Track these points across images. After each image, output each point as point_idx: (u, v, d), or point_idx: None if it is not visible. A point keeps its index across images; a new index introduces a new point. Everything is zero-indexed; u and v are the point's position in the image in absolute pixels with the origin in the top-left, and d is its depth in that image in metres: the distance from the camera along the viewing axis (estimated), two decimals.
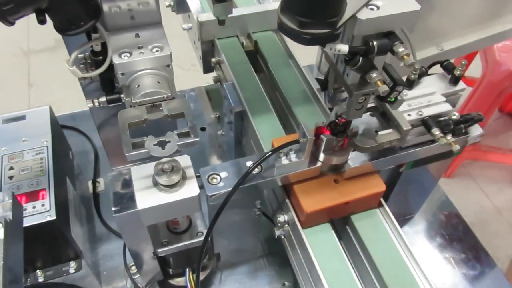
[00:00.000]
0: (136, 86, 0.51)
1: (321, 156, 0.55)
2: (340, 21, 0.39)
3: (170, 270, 0.62)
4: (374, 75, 0.43)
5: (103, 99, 0.58)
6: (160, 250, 0.56)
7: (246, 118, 0.70)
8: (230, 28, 0.83)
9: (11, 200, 0.46)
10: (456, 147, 0.55)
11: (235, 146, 0.79)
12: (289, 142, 0.54)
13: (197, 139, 0.48)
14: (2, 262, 0.40)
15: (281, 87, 0.74)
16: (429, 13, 0.89)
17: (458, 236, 0.80)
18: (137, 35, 0.54)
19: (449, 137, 0.55)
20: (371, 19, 0.40)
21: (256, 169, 0.55)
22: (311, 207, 0.54)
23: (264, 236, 0.75)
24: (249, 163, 0.56)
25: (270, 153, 0.54)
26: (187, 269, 0.61)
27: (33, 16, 0.47)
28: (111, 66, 0.55)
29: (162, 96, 0.52)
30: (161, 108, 0.53)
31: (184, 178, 0.50)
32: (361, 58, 0.42)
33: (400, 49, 0.41)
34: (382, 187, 0.57)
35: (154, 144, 0.47)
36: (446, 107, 0.58)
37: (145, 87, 0.51)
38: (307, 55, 0.94)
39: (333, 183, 0.57)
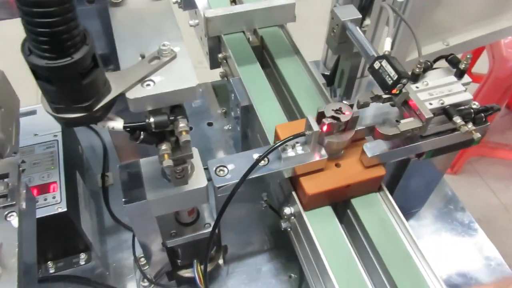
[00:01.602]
0: None
1: (324, 140, 0.57)
2: (99, 103, 0.37)
3: (179, 261, 0.63)
4: (162, 147, 0.42)
5: None
6: (168, 241, 0.57)
7: (253, 112, 0.71)
8: (237, 24, 0.83)
9: (25, 191, 0.47)
10: (477, 135, 0.56)
11: (242, 141, 0.80)
12: (295, 135, 0.55)
13: (13, 202, 0.44)
14: (17, 249, 0.42)
15: (288, 82, 0.75)
16: (435, 9, 0.89)
17: (464, 231, 0.80)
18: None
19: (470, 125, 0.56)
20: (141, 98, 0.38)
21: (262, 162, 0.55)
22: (312, 189, 0.56)
23: (270, 230, 0.76)
24: (255, 156, 0.57)
25: (276, 145, 0.54)
26: (195, 261, 0.62)
27: None
28: None
29: None
30: None
31: (192, 170, 0.51)
32: (144, 133, 0.41)
33: (180, 125, 0.40)
34: (382, 171, 0.58)
35: None
36: (467, 96, 0.59)
37: None
38: (313, 51, 0.94)
39: (334, 167, 0.59)
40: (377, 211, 0.59)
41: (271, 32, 0.84)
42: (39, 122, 0.72)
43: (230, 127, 0.86)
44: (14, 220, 0.44)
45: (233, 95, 0.75)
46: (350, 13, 0.60)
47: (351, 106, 0.56)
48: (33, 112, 0.74)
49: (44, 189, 0.63)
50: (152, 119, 0.40)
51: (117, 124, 0.40)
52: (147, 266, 0.66)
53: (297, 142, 0.56)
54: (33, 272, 0.45)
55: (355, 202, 0.60)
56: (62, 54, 0.33)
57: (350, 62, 0.66)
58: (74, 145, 0.81)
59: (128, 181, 0.51)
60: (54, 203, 0.62)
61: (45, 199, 0.62)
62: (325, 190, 0.56)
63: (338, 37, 0.60)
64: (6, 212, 0.45)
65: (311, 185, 0.56)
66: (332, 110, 0.55)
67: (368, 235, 0.57)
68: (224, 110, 0.93)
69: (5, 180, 0.48)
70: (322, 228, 0.57)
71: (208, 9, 0.80)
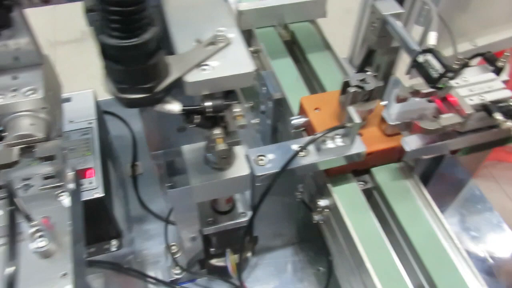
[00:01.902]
0: (11, 127, 0.50)
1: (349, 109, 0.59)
2: (160, 86, 0.38)
3: (212, 250, 0.64)
4: (216, 132, 0.44)
5: None
6: (205, 228, 0.58)
7: (285, 105, 0.71)
8: (268, 18, 0.84)
9: (74, 172, 0.48)
10: None
11: (271, 134, 0.80)
12: (336, 127, 0.56)
13: (62, 183, 0.48)
14: (70, 228, 0.42)
15: (320, 77, 0.75)
16: (461, 13, 0.89)
17: (491, 230, 0.80)
18: (14, 77, 0.52)
19: (510, 122, 0.56)
20: (199, 82, 0.39)
21: (302, 152, 0.56)
22: None
23: (299, 223, 0.76)
24: (294, 146, 0.57)
25: (317, 136, 0.55)
26: (228, 250, 0.63)
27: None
28: None
29: (34, 138, 0.50)
30: (34, 149, 0.51)
31: (235, 157, 0.52)
32: (200, 116, 0.42)
33: (235, 109, 0.42)
34: None
35: (17, 188, 0.48)
36: (507, 93, 0.59)
37: (17, 129, 0.49)
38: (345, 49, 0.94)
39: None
40: (396, 179, 0.61)
41: (302, 27, 0.85)
42: (73, 110, 0.73)
43: (258, 121, 0.87)
44: (65, 200, 0.45)
45: (264, 88, 0.76)
46: (391, 7, 0.60)
47: (375, 76, 0.59)
48: (68, 100, 0.75)
49: (80, 174, 0.64)
50: (210, 103, 0.40)
51: (175, 107, 0.40)
52: (178, 254, 0.67)
53: (337, 134, 0.56)
54: (82, 252, 0.46)
55: (376, 171, 0.62)
56: (132, 34, 0.33)
57: (387, 57, 0.66)
58: (105, 134, 0.82)
59: (171, 167, 0.51)
60: (91, 189, 0.63)
61: (82, 185, 0.63)
62: None
63: (378, 31, 0.61)
64: (57, 192, 0.46)
65: None
66: (357, 80, 0.58)
67: (391, 207, 0.59)
68: (251, 104, 0.93)
69: (52, 161, 0.49)
70: (358, 220, 0.58)
71: (240, 2, 0.81)
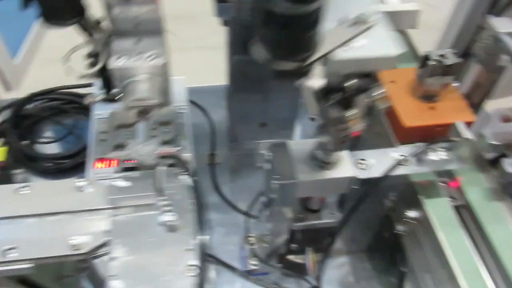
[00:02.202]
0: (130, 90, 0.52)
1: (426, 81, 0.63)
2: (311, 58, 0.38)
3: (293, 246, 0.64)
4: (353, 112, 0.43)
5: (101, 96, 0.57)
6: (295, 224, 0.59)
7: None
8: None
9: (191, 154, 0.50)
10: None
11: None
12: (442, 139, 0.55)
13: (179, 147, 0.51)
14: (192, 206, 0.44)
15: None
16: None
17: None
18: (137, 42, 0.53)
19: None
20: (345, 60, 0.38)
21: (404, 161, 0.56)
22: (409, 123, 0.62)
23: (373, 231, 0.76)
24: (393, 154, 0.57)
25: (424, 147, 0.55)
26: (309, 249, 0.64)
27: None
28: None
29: (153, 102, 0.52)
30: (150, 113, 0.53)
31: (339, 158, 0.53)
32: (337, 95, 0.41)
33: (375, 93, 0.41)
34: (472, 118, 0.63)
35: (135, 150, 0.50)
36: None
37: (137, 92, 0.51)
38: None
39: (429, 109, 0.65)
40: (490, 202, 0.61)
41: None
42: None
43: None
44: (186, 179, 0.46)
45: None
46: (506, 25, 0.59)
47: (456, 54, 0.62)
48: None
49: None
50: (356, 81, 0.40)
51: (317, 82, 0.41)
52: (255, 246, 0.68)
53: (441, 147, 0.56)
54: (200, 230, 0.47)
55: (467, 189, 0.62)
56: (306, 1, 0.34)
57: (492, 75, 0.65)
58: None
59: (279, 161, 0.53)
60: None
61: None
62: (421, 125, 0.62)
63: (490, 48, 0.60)
64: (177, 171, 0.47)
65: (408, 119, 0.63)
66: (437, 54, 0.62)
67: (482, 229, 0.58)
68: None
69: (168, 127, 0.51)
70: (450, 236, 0.57)
71: None
